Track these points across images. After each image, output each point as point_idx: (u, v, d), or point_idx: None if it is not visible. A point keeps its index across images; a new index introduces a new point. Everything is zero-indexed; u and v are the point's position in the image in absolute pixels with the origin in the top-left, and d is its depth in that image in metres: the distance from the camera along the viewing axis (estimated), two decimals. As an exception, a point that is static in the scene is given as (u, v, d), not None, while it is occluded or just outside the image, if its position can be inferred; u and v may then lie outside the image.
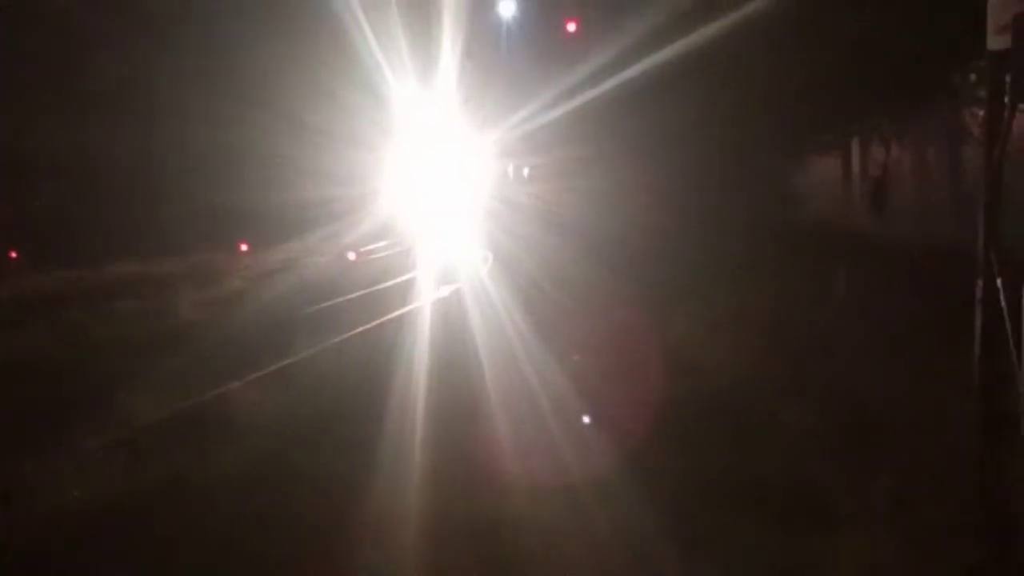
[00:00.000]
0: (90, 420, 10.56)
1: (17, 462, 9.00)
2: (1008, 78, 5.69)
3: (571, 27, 30.51)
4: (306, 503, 8.30)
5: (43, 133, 28.63)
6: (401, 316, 18.37)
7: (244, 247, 28.89)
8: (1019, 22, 5.57)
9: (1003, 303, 5.96)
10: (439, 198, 36.27)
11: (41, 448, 9.43)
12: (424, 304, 19.88)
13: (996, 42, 6.03)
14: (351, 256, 28.27)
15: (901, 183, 17.50)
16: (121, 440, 9.84)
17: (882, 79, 14.21)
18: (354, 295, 21.03)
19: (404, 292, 21.91)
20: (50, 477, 8.80)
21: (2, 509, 8.15)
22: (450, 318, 18.05)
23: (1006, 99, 6.01)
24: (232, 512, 8.19)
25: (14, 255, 25.41)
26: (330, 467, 9.20)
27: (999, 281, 6.07)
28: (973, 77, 13.49)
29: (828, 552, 6.05)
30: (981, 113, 13.06)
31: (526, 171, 43.55)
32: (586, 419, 10.65)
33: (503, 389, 11.93)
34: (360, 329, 16.65)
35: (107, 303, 19.55)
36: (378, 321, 17.59)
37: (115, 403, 11.32)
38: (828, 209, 23.29)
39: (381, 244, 30.24)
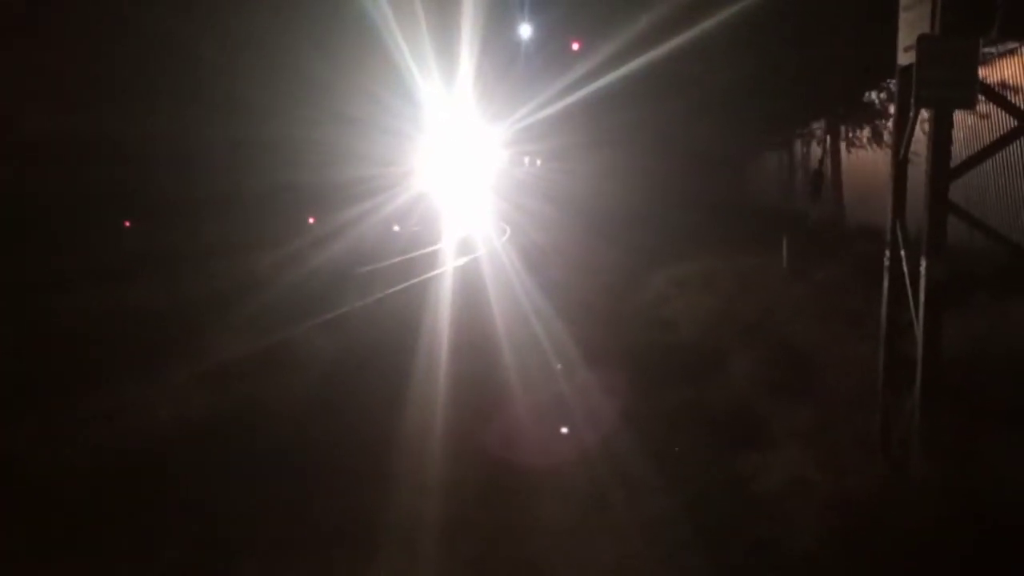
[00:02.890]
0: (189, 352, 10.73)
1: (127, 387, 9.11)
2: (913, 87, 5.65)
3: (575, 47, 30.29)
4: (374, 392, 9.07)
5: (147, 123, 28.81)
6: (435, 275, 18.58)
7: (311, 220, 28.88)
8: (922, 42, 5.52)
9: (905, 270, 5.97)
10: (461, 178, 36.24)
11: (147, 375, 9.56)
12: (452, 266, 20.08)
13: (904, 58, 5.99)
14: (395, 228, 28.36)
15: (832, 175, 17.45)
16: (211, 369, 9.98)
17: (816, 95, 14.21)
18: (398, 259, 21.14)
19: (437, 257, 22.05)
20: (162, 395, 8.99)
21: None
22: (470, 277, 18.24)
23: (911, 106, 5.98)
24: (313, 397, 8.97)
25: (127, 224, 25.57)
26: (387, 361, 10.28)
27: (902, 252, 6.08)
28: (884, 95, 13.44)
29: (762, 462, 6.09)
30: (890, 124, 13.23)
31: (538, 161, 43.55)
32: (574, 355, 10.81)
33: (513, 339, 12.05)
34: (404, 285, 16.93)
35: (202, 263, 19.72)
36: (420, 278, 17.87)
37: (208, 339, 11.50)
38: (776, 194, 23.19)
39: (416, 217, 30.21)
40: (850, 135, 15.30)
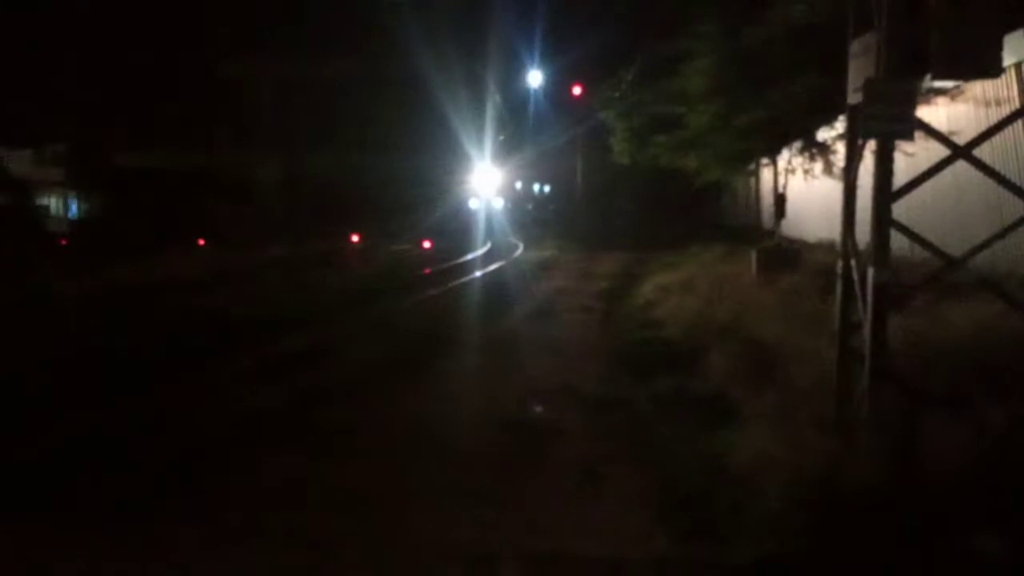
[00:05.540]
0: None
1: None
2: (860, 122, 5.72)
3: (577, 91, 30.34)
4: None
5: (223, 163, 29.34)
6: (466, 281, 18.75)
7: (356, 238, 28.83)
8: (868, 84, 5.57)
9: (855, 276, 6.00)
10: (488, 198, 36.22)
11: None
12: (480, 272, 20.34)
13: (853, 98, 6.04)
14: (427, 244, 28.37)
15: (794, 197, 17.55)
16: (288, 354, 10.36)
17: (778, 131, 14.22)
18: (433, 268, 21.26)
19: (467, 266, 22.16)
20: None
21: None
22: (492, 280, 18.41)
23: (859, 138, 6.05)
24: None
25: (201, 242, 25.78)
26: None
27: (853, 261, 6.11)
28: (834, 134, 13.43)
29: (734, 439, 6.10)
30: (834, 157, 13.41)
31: (547, 187, 43.74)
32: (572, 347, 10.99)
33: (529, 335, 12.24)
34: (439, 289, 17.18)
35: (263, 274, 19.89)
36: (452, 284, 18.11)
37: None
38: (746, 214, 23.20)
39: (444, 232, 30.11)
40: (805, 166, 15.30)
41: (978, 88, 9.81)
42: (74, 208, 32.31)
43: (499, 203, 36.07)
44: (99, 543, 4.77)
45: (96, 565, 4.55)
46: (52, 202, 31.68)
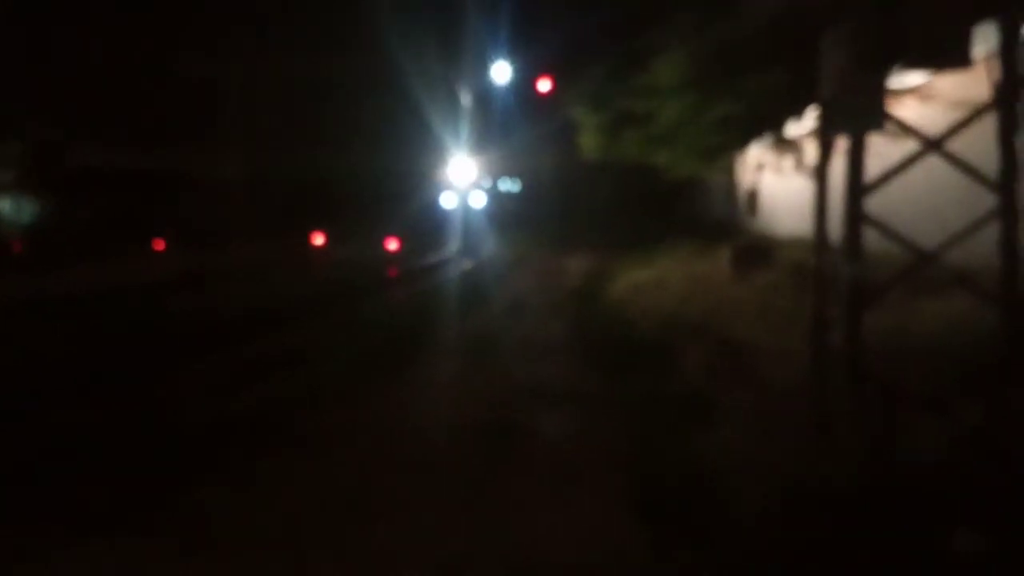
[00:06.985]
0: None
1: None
2: (831, 115, 5.76)
3: (548, 86, 30.18)
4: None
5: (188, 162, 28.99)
6: (435, 281, 18.62)
7: (320, 239, 28.42)
8: (839, 78, 5.62)
9: (829, 272, 6.03)
10: (460, 195, 35.99)
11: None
12: (449, 271, 20.22)
13: (825, 91, 6.07)
14: (393, 245, 28.03)
15: (769, 193, 17.66)
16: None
17: (751, 125, 14.28)
18: (400, 269, 21.11)
19: (435, 265, 22.05)
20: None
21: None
22: (461, 279, 18.32)
23: (830, 131, 6.09)
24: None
25: (162, 245, 25.38)
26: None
27: (826, 257, 6.15)
28: (803, 132, 13.50)
29: (709, 439, 6.11)
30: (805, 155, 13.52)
31: (521, 181, 43.74)
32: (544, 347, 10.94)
33: (500, 335, 12.18)
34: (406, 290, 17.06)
35: (221, 277, 19.62)
36: (420, 284, 17.98)
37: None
38: (720, 209, 23.37)
39: (413, 231, 29.66)
40: (776, 161, 15.38)
41: (949, 87, 9.91)
42: (30, 210, 31.74)
43: (477, 199, 35.64)
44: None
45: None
46: (7, 204, 31.10)
